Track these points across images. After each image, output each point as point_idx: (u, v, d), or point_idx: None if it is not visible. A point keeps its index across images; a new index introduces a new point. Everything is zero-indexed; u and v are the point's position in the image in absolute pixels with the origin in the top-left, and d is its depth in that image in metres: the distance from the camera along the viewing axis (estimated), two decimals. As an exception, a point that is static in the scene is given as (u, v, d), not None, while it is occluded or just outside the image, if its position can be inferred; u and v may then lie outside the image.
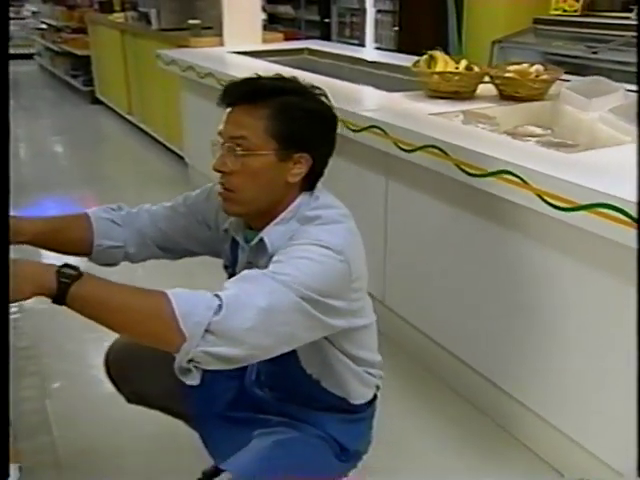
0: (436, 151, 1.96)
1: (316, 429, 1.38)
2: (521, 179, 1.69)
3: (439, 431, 2.08)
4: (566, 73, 2.85)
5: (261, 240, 1.28)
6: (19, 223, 1.29)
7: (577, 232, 1.59)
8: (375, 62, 3.73)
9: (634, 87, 2.49)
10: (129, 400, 1.61)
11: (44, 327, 2.63)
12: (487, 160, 1.80)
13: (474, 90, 2.54)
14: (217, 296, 1.06)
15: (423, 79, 2.58)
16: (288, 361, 1.29)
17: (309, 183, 1.30)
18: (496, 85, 2.53)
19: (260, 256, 1.30)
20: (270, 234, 1.27)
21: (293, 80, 1.31)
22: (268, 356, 1.14)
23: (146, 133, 5.74)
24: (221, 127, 1.27)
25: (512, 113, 2.37)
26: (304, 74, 2.58)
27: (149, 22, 5.09)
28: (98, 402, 2.16)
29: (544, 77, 2.46)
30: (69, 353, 2.51)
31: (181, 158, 4.70)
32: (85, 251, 1.43)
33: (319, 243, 1.17)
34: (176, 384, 1.45)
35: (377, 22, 6.81)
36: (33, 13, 10.49)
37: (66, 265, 1.04)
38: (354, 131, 2.30)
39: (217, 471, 1.35)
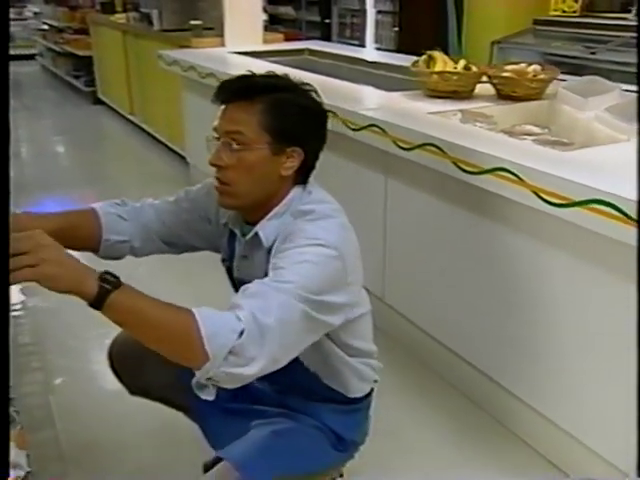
0: (434, 149, 1.98)
1: (313, 419, 1.41)
2: (517, 176, 1.72)
3: (437, 425, 2.10)
4: (565, 73, 2.88)
5: (256, 234, 1.33)
6: (34, 221, 1.30)
7: (571, 228, 1.62)
8: (375, 62, 3.76)
9: (631, 87, 2.52)
10: (132, 392, 1.65)
11: (47, 324, 2.66)
12: (483, 158, 1.83)
13: (472, 90, 2.57)
14: (237, 317, 1.08)
15: (422, 79, 2.61)
16: None
17: (301, 177, 1.34)
18: (494, 85, 2.56)
19: (255, 250, 1.35)
20: (265, 228, 1.32)
21: (285, 77, 1.35)
22: (279, 367, 1.16)
23: (148, 133, 5.77)
24: (216, 123, 1.31)
25: (510, 112, 2.40)
26: (304, 74, 2.61)
27: (151, 23, 5.12)
28: (101, 397, 2.20)
29: (541, 77, 2.49)
30: (72, 349, 2.53)
31: (183, 158, 4.72)
32: (93, 246, 1.45)
33: (316, 242, 1.20)
34: (176, 376, 1.49)
35: (377, 23, 6.85)
36: (35, 14, 10.54)
37: (107, 272, 1.05)
38: (354, 130, 2.33)
39: (218, 462, 1.38)
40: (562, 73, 2.75)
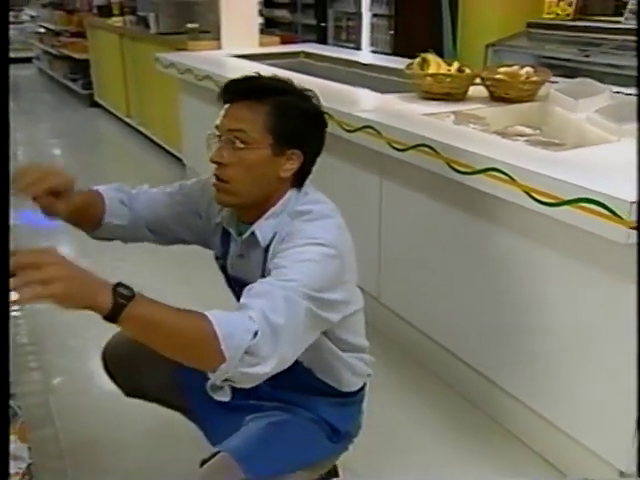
0: (428, 150, 2.02)
1: (308, 412, 1.44)
2: (509, 176, 1.75)
3: (433, 423, 2.12)
4: (559, 76, 2.91)
5: (252, 234, 1.35)
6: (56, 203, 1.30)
7: (562, 226, 1.65)
8: (370, 65, 3.79)
9: (621, 89, 2.56)
10: (127, 394, 1.66)
11: (46, 324, 2.68)
12: (476, 158, 1.86)
13: (465, 92, 2.60)
14: (249, 317, 1.09)
15: (416, 81, 2.64)
16: None
17: (298, 180, 1.37)
18: (487, 87, 2.59)
19: (252, 249, 1.38)
20: (262, 228, 1.34)
21: (289, 82, 1.38)
22: (287, 366, 1.17)
23: (145, 136, 5.79)
24: (219, 121, 1.33)
25: (502, 114, 2.43)
26: (300, 77, 2.64)
27: (147, 26, 5.15)
28: (100, 396, 2.21)
29: (534, 79, 2.53)
30: (70, 349, 2.55)
31: (179, 160, 4.75)
32: (93, 226, 1.48)
33: (315, 241, 1.23)
34: (171, 377, 1.52)
35: (373, 26, 6.87)
36: (32, 17, 10.55)
37: (121, 284, 1.02)
38: (349, 131, 2.36)
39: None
40: (556, 75, 2.78)
